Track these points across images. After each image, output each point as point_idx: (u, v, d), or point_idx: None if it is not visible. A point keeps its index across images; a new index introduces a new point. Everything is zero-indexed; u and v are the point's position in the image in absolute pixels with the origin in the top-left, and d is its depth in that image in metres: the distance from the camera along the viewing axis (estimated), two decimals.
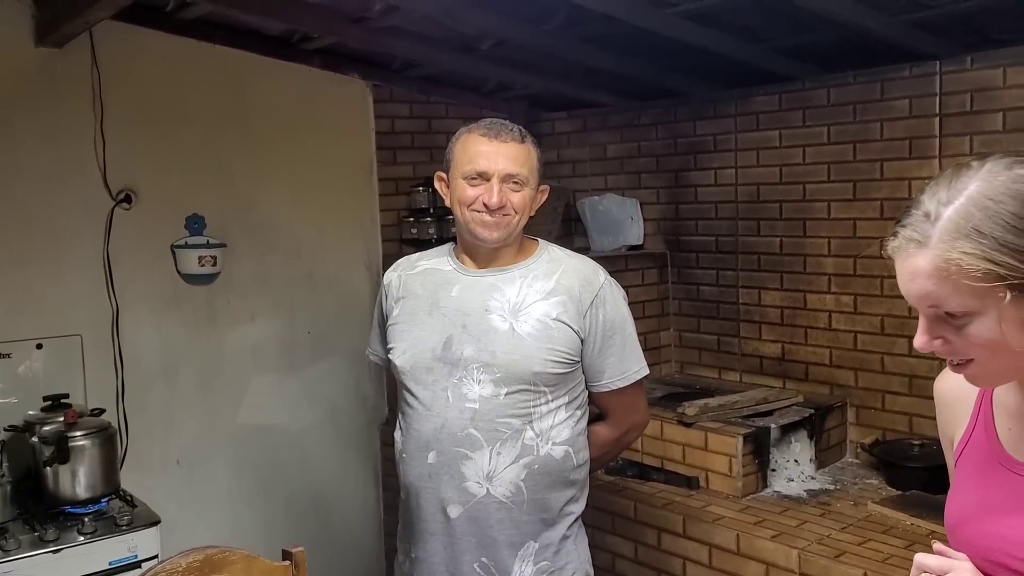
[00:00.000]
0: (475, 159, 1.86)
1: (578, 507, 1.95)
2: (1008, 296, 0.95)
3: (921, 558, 1.08)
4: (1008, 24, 2.44)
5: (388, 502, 3.54)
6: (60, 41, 2.74)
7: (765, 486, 2.77)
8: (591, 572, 2.00)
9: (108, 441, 2.56)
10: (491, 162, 1.84)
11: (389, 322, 2.00)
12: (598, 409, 2.02)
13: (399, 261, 2.10)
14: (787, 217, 3.13)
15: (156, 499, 2.62)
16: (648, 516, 2.70)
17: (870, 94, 2.86)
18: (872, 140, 2.86)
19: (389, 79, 3.50)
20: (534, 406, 1.85)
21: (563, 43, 2.81)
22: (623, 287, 2.00)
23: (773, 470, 2.80)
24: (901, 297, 1.04)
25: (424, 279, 1.98)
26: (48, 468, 2.44)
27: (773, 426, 2.80)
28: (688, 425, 2.83)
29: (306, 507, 3.40)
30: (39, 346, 2.79)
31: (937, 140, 2.71)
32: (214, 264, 3.10)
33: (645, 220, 3.55)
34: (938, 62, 2.69)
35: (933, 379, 1.26)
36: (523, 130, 1.91)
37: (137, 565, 2.37)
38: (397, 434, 1.98)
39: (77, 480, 2.47)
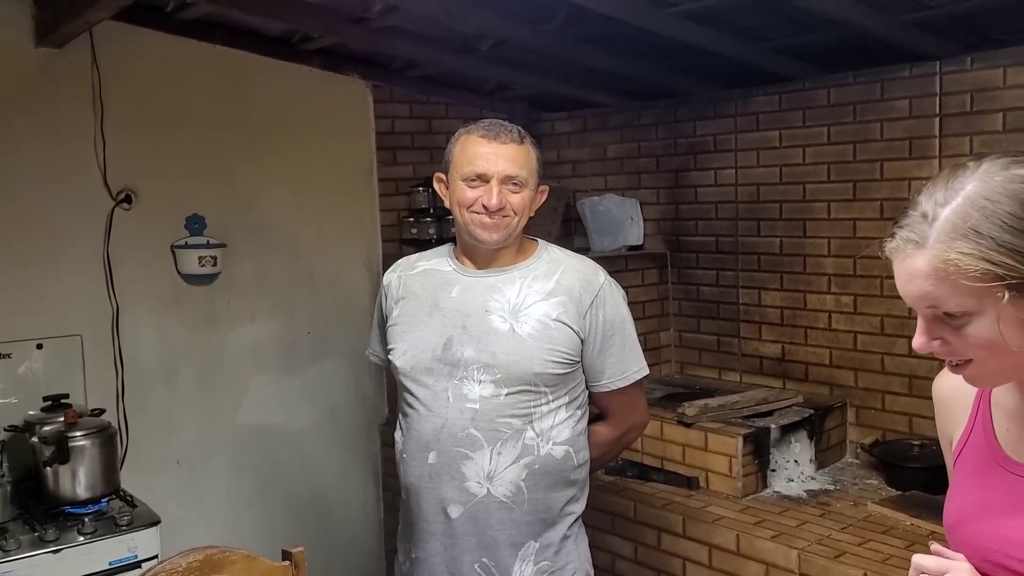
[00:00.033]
0: (474, 161, 1.85)
1: (578, 507, 1.96)
2: (1006, 296, 0.95)
3: (918, 559, 1.08)
4: (1008, 24, 2.44)
5: (388, 502, 3.54)
6: (60, 41, 2.75)
7: (765, 486, 2.77)
8: (591, 572, 2.00)
9: (108, 441, 2.56)
10: (490, 164, 1.84)
11: (389, 323, 2.00)
12: (598, 409, 2.02)
13: (398, 262, 2.10)
14: (787, 217, 3.13)
15: (156, 499, 2.62)
16: (648, 516, 2.70)
17: (870, 94, 2.86)
18: (872, 140, 2.86)
19: (389, 79, 3.50)
20: (535, 406, 1.85)
21: (563, 43, 2.81)
22: (623, 287, 2.00)
23: (773, 470, 2.80)
24: (901, 297, 1.04)
25: (424, 280, 1.98)
26: (48, 468, 2.44)
27: (773, 426, 2.80)
28: (688, 425, 2.83)
29: (306, 507, 3.40)
30: (39, 346, 2.79)
31: (937, 140, 2.71)
32: (214, 264, 3.10)
33: (645, 220, 3.55)
34: (938, 62, 2.69)
35: (933, 379, 1.26)
36: (522, 131, 1.90)
37: (137, 565, 2.37)
38: (397, 434, 1.98)
39: (77, 480, 2.47)
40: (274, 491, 3.33)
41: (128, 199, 2.94)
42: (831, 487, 2.78)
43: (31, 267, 2.78)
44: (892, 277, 1.04)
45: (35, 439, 2.48)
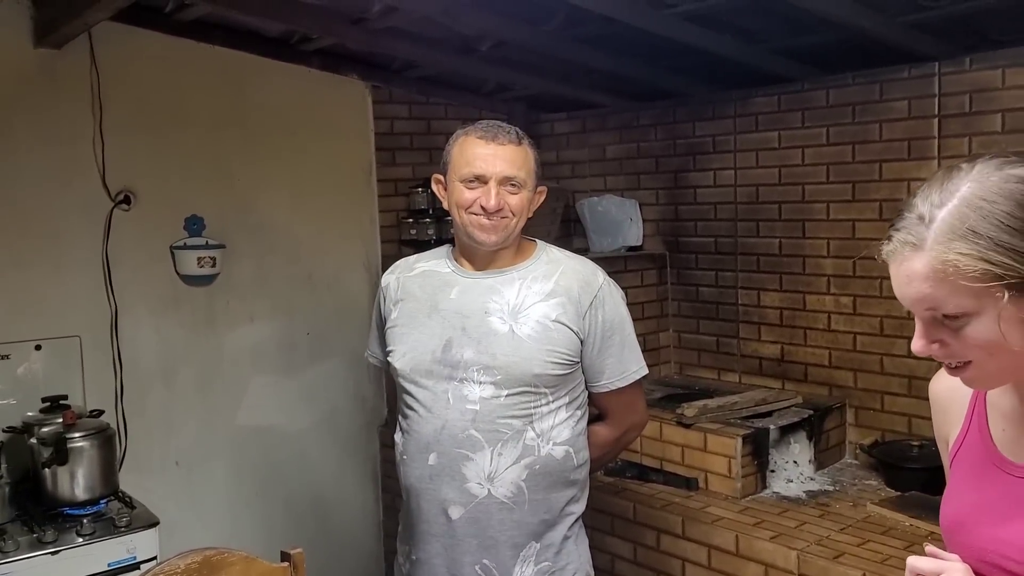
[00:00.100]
0: (472, 162, 1.85)
1: (579, 507, 1.96)
2: (1006, 296, 0.95)
3: (913, 560, 1.08)
4: (1007, 25, 2.44)
5: (387, 503, 3.54)
6: (59, 42, 2.75)
7: (764, 487, 2.77)
8: (592, 572, 2.00)
9: (107, 442, 2.56)
10: (488, 165, 1.84)
11: (388, 324, 2.00)
12: (597, 409, 2.02)
13: (397, 263, 2.10)
14: (786, 218, 3.13)
15: (155, 500, 2.62)
16: (647, 517, 2.70)
17: (869, 95, 2.86)
18: (871, 141, 2.86)
19: (388, 80, 3.50)
20: (535, 407, 1.85)
21: (562, 44, 2.81)
22: (622, 288, 2.00)
23: (772, 471, 2.80)
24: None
25: (423, 281, 1.98)
26: (47, 469, 2.44)
27: (772, 427, 2.80)
28: (687, 426, 2.83)
29: (305, 508, 3.40)
30: (38, 347, 2.79)
31: (936, 141, 2.71)
32: (213, 265, 3.10)
33: (644, 221, 3.54)
34: (937, 63, 2.69)
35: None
36: (520, 132, 1.90)
37: (136, 566, 2.36)
38: (397, 436, 1.98)
39: (76, 481, 2.47)
40: (273, 492, 3.32)
41: (127, 200, 2.94)
42: (830, 488, 2.78)
43: (30, 268, 2.78)
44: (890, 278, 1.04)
45: (34, 440, 2.49)
